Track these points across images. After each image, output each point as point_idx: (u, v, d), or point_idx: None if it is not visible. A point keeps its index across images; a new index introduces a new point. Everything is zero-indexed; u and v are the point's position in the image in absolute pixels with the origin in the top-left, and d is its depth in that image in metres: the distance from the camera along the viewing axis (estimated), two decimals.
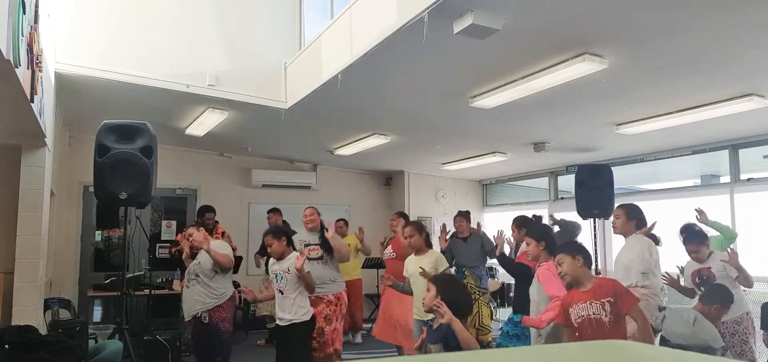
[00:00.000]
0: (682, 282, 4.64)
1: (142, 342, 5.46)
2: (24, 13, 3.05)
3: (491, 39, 3.76)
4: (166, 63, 5.79)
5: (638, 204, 4.73)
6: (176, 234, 7.85)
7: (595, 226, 5.83)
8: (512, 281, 6.59)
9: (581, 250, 3.46)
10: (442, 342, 3.10)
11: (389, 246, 6.15)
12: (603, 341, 2.45)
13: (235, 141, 8.12)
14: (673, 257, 4.78)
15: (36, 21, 3.61)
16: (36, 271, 4.86)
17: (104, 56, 5.53)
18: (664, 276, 4.57)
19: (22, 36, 3.04)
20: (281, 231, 4.68)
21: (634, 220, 4.58)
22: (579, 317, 3.32)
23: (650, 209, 4.79)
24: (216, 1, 6.31)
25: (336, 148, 8.18)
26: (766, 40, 3.83)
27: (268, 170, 9.19)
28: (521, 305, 4.41)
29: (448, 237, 6.52)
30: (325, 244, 5.10)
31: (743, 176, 6.65)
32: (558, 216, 6.59)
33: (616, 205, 4.94)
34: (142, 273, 7.32)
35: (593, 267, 4.82)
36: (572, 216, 6.07)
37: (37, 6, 3.62)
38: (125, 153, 4.45)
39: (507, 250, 5.35)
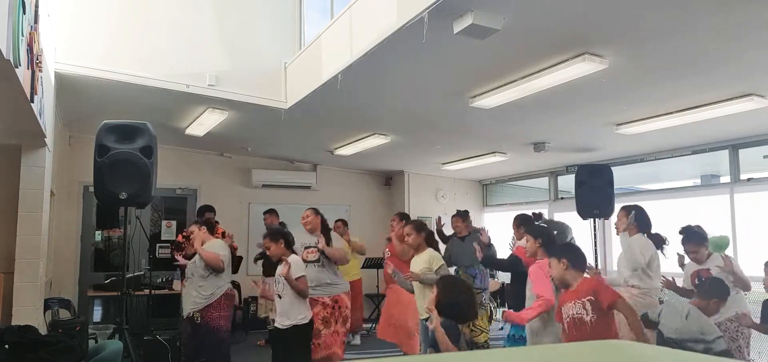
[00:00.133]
0: (681, 283, 4.64)
1: (142, 342, 5.46)
2: (24, 13, 3.05)
3: (491, 39, 3.76)
4: (166, 63, 5.79)
5: (638, 204, 4.74)
6: (176, 235, 7.86)
7: (595, 226, 5.83)
8: None
9: (566, 252, 3.58)
10: (433, 347, 3.12)
11: (387, 247, 6.21)
12: (603, 341, 2.46)
13: (235, 141, 8.12)
14: (674, 257, 4.78)
15: (36, 21, 3.61)
16: (36, 271, 4.85)
17: (104, 56, 5.53)
18: (662, 278, 4.58)
19: (22, 36, 3.04)
20: (279, 234, 4.57)
21: (636, 223, 4.64)
22: (567, 317, 3.46)
23: (650, 209, 4.80)
24: (216, 1, 6.31)
25: (336, 148, 8.18)
26: (766, 40, 3.83)
27: (268, 170, 9.19)
28: (512, 301, 4.43)
29: (442, 225, 6.67)
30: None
31: (743, 176, 6.64)
32: (558, 216, 6.59)
33: (620, 207, 4.96)
34: (142, 273, 7.32)
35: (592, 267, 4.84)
36: (572, 216, 6.07)
37: (37, 6, 3.62)
38: (125, 153, 4.45)
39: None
